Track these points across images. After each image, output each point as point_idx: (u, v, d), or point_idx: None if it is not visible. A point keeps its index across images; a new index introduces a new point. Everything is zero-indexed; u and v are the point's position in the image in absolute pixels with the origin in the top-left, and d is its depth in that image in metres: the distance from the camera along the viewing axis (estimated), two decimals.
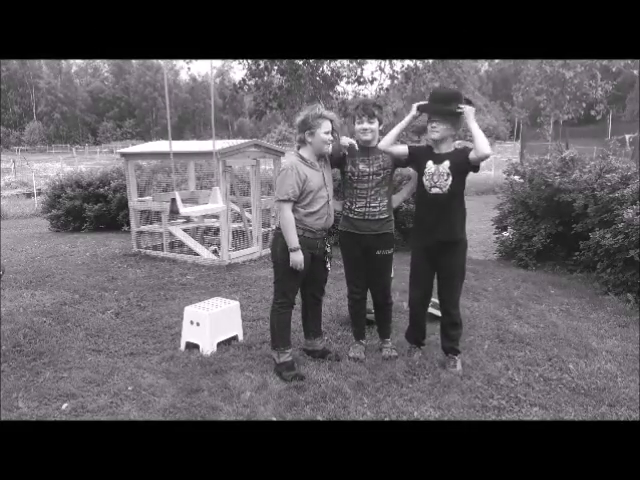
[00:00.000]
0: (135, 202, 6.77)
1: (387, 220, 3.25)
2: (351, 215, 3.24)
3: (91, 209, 9.16)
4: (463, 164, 2.98)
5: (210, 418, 2.66)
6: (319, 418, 2.65)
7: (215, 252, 6.42)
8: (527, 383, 3.04)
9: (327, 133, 2.99)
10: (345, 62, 9.16)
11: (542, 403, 2.80)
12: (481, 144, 2.84)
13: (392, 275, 3.50)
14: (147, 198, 6.95)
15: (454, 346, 3.24)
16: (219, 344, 3.54)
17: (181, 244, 6.65)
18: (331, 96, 9.17)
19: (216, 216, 6.33)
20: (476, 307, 4.45)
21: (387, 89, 9.53)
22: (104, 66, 71.75)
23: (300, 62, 8.40)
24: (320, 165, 3.10)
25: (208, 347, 3.47)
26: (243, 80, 9.29)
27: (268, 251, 6.37)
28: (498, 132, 43.88)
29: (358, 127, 3.12)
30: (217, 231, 6.54)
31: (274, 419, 2.66)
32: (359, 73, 9.26)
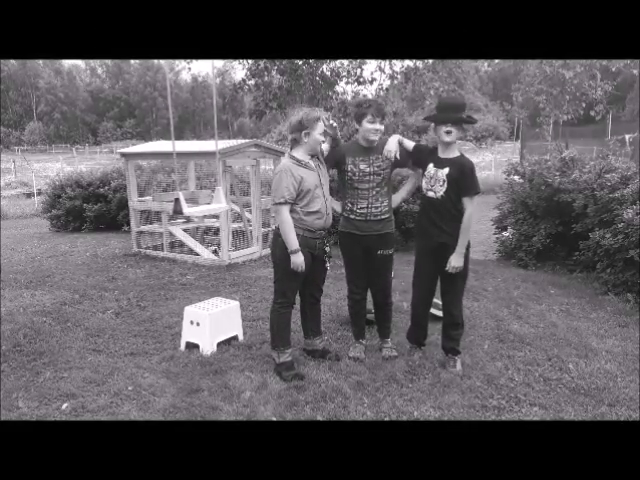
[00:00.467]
0: (135, 202, 6.77)
1: (388, 220, 3.25)
2: (352, 216, 3.23)
3: (91, 209, 9.17)
4: (460, 179, 3.00)
5: (210, 418, 2.67)
6: (319, 418, 2.65)
7: (215, 252, 6.43)
8: (527, 383, 3.04)
9: (321, 134, 3.04)
10: (345, 62, 9.16)
11: (542, 403, 2.80)
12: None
13: (392, 275, 3.50)
14: (147, 198, 6.95)
15: (454, 346, 3.24)
16: (219, 344, 3.54)
17: (181, 244, 6.65)
18: (330, 96, 9.16)
19: (216, 216, 6.34)
20: (476, 307, 4.45)
21: (387, 89, 9.53)
22: (100, 67, 71.74)
23: (300, 62, 8.40)
24: (315, 164, 3.11)
25: (208, 347, 3.47)
26: (243, 80, 9.30)
27: (268, 251, 6.39)
28: (498, 132, 43.88)
29: (370, 127, 3.08)
30: (217, 231, 6.54)
31: (274, 419, 2.66)
32: (359, 73, 9.26)
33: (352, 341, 3.55)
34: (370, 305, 3.52)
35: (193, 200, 6.93)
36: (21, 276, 5.58)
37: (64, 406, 2.79)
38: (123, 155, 6.89)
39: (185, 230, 6.72)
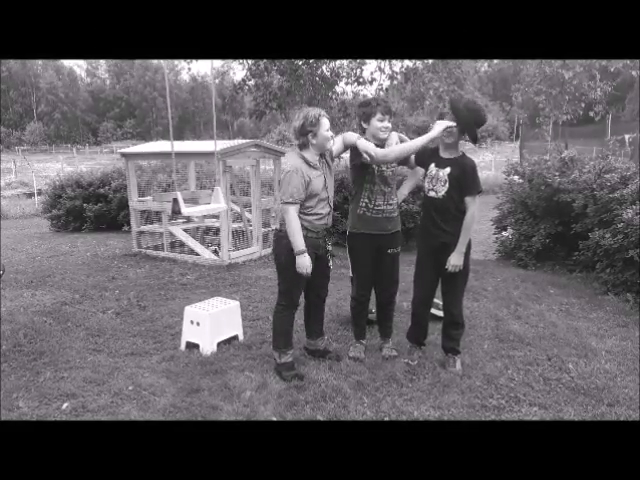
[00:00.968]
0: (135, 202, 6.77)
1: (397, 218, 3.30)
2: (369, 214, 3.21)
3: (91, 209, 9.17)
4: (462, 178, 3.01)
5: (210, 418, 2.67)
6: (319, 418, 2.66)
7: (215, 252, 6.43)
8: (527, 383, 3.04)
9: (328, 130, 3.00)
10: (345, 62, 9.16)
11: (542, 403, 2.80)
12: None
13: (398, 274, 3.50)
14: (147, 198, 6.95)
15: (454, 346, 3.24)
16: (219, 344, 3.54)
17: (181, 244, 6.65)
18: (330, 96, 9.16)
19: (216, 216, 6.34)
20: (476, 307, 4.45)
21: (387, 89, 9.52)
22: (102, 66, 71.75)
23: (300, 62, 8.39)
24: (322, 164, 3.10)
25: (208, 347, 3.47)
26: (243, 80, 9.29)
27: (268, 251, 6.43)
28: (498, 132, 43.89)
29: (379, 125, 3.10)
30: (217, 231, 6.55)
31: (274, 419, 2.66)
32: (359, 73, 9.25)
33: (352, 341, 3.55)
34: (371, 305, 3.53)
35: (194, 200, 6.93)
36: (21, 276, 5.58)
37: (64, 406, 2.79)
38: (123, 155, 6.89)
39: (185, 230, 6.72)
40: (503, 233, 6.76)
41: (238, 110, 62.24)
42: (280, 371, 3.12)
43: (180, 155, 6.54)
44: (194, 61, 9.54)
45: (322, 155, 3.09)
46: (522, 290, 4.99)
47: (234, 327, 3.70)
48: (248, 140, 6.61)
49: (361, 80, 9.28)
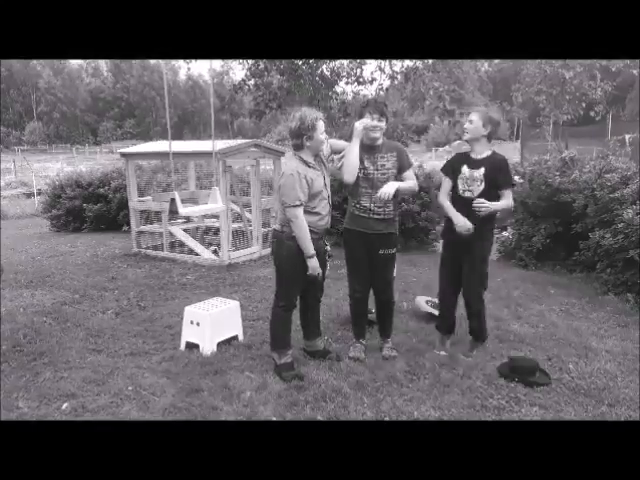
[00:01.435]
0: (135, 202, 6.77)
1: (392, 220, 3.28)
2: (357, 212, 3.25)
3: (91, 209, 9.16)
4: (498, 175, 3.12)
5: (210, 418, 2.67)
6: (319, 418, 2.65)
7: (215, 252, 6.42)
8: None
9: (322, 133, 3.00)
10: (345, 62, 9.16)
11: (542, 403, 2.80)
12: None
13: (394, 274, 3.50)
14: (147, 198, 6.95)
15: (477, 334, 3.39)
16: (219, 344, 3.54)
17: (181, 244, 6.64)
18: (330, 96, 9.17)
19: (216, 216, 6.34)
20: None
21: (387, 89, 9.53)
22: (104, 65, 71.76)
23: (300, 62, 8.40)
24: (318, 164, 3.10)
25: (208, 347, 3.46)
26: (243, 80, 9.30)
27: (268, 251, 6.40)
28: (498, 132, 43.87)
29: (369, 124, 3.13)
30: (217, 231, 6.54)
31: (274, 419, 2.66)
32: (359, 73, 9.26)
33: (352, 341, 3.54)
34: (371, 305, 3.53)
35: (193, 200, 6.93)
36: (21, 276, 5.58)
37: (64, 406, 2.79)
38: (123, 155, 6.89)
39: (185, 230, 6.72)
40: (503, 233, 6.76)
41: (237, 110, 62.24)
42: (280, 372, 3.12)
43: (180, 155, 6.54)
44: (193, 61, 9.55)
45: (316, 155, 3.10)
46: (522, 290, 4.99)
47: (234, 327, 3.70)
48: (248, 140, 6.61)
49: (361, 80, 9.30)
